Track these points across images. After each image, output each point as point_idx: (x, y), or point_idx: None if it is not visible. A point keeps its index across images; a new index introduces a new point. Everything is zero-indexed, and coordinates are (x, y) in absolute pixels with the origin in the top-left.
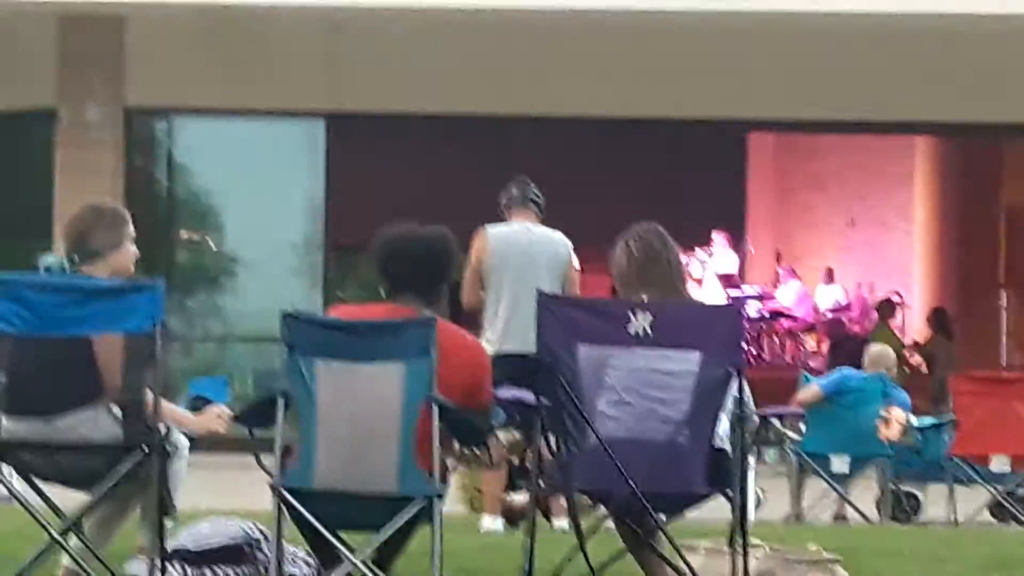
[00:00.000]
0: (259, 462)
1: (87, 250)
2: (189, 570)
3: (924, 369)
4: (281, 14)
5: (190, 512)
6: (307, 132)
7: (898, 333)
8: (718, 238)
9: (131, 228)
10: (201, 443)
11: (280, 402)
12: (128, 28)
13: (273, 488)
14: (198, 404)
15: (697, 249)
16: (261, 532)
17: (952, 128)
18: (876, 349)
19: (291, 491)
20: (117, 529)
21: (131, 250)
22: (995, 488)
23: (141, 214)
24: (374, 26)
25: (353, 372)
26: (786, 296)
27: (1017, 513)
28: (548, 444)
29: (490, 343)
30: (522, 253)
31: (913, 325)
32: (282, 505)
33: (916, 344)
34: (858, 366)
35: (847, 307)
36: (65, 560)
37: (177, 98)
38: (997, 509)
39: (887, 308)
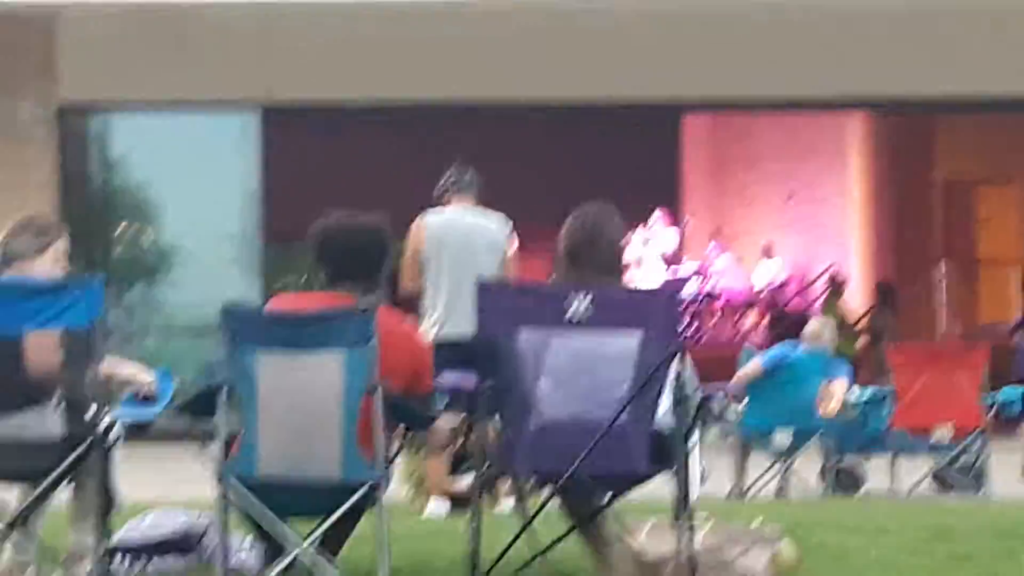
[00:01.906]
0: (202, 452)
1: (10, 252)
2: (134, 563)
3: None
4: (213, 6)
5: (133, 505)
6: (242, 123)
7: (847, 307)
8: (657, 217)
9: (61, 243)
10: (144, 434)
11: (222, 393)
12: (59, 24)
13: (217, 478)
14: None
15: (637, 229)
16: (206, 521)
17: (885, 103)
18: (815, 323)
19: (235, 480)
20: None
21: (56, 261)
22: (936, 459)
23: (77, 210)
24: (307, 16)
25: (294, 362)
26: (723, 273)
27: (958, 483)
28: (491, 427)
29: (431, 329)
30: (461, 238)
31: (852, 299)
32: (227, 494)
33: (863, 317)
34: (798, 341)
35: (786, 283)
36: (6, 556)
37: (110, 93)
38: (938, 479)
39: (837, 283)
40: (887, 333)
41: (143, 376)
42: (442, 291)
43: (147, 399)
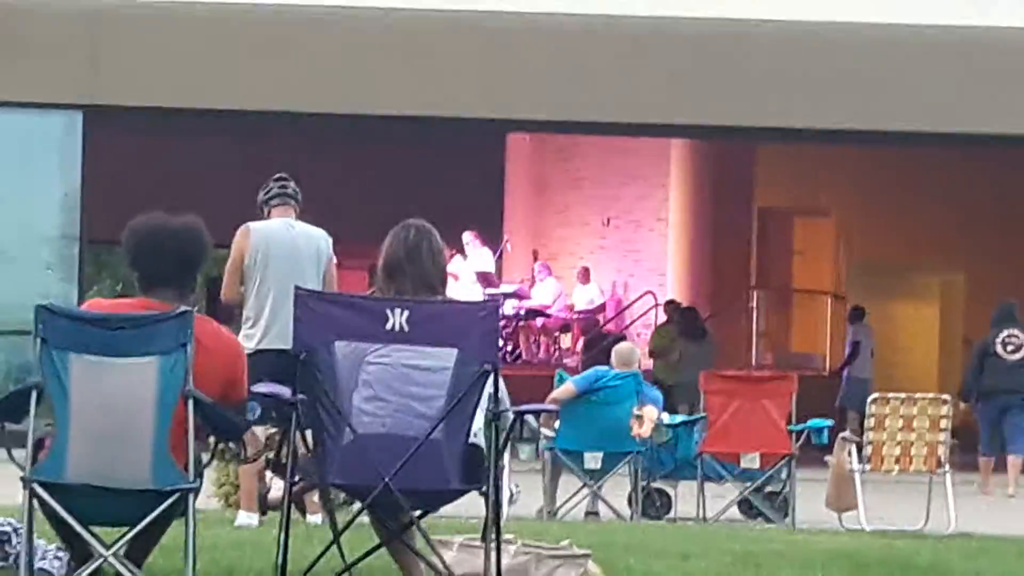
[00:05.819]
0: (10, 456)
1: None
2: None
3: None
4: (38, 6)
5: None
6: (65, 124)
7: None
8: (475, 237)
9: None
10: None
11: (33, 395)
12: None
13: (24, 481)
14: None
15: (456, 248)
16: (12, 526)
17: (706, 130)
18: (624, 347)
19: (43, 485)
20: None
21: None
22: (744, 485)
23: None
24: (132, 18)
25: (107, 366)
26: (542, 294)
27: (764, 510)
28: (304, 439)
29: (250, 338)
30: (285, 249)
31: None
32: (33, 499)
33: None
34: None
35: (602, 306)
36: None
37: None
38: (745, 506)
39: (675, 310)
40: (692, 359)
41: None
42: (266, 302)
43: None
